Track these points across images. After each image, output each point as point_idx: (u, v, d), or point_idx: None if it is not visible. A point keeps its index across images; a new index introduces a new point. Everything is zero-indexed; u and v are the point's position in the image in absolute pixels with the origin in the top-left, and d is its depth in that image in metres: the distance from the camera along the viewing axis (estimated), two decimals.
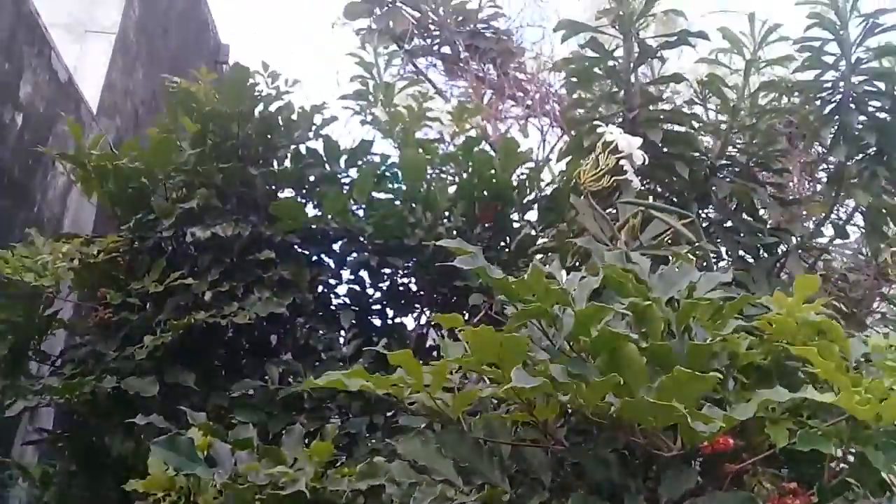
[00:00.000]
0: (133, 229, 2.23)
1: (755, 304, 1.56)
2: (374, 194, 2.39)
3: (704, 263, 2.34)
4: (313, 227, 2.22)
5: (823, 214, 3.41)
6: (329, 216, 2.20)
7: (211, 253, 2.19)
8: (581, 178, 2.17)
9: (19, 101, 3.36)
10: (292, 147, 2.43)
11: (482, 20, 4.69)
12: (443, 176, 2.78)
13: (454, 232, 2.41)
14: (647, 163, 2.53)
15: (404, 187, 2.36)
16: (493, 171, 2.62)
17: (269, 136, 2.37)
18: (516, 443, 1.37)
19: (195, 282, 2.14)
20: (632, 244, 2.29)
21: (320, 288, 2.33)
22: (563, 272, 1.53)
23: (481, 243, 2.82)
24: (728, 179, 2.96)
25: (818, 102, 3.29)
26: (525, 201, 2.76)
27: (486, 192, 2.68)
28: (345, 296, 2.35)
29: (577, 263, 2.40)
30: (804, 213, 3.44)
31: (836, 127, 3.22)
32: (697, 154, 2.62)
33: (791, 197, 3.35)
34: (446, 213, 2.44)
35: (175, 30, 5.93)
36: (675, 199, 2.75)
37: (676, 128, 2.67)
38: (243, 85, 2.34)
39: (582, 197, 2.25)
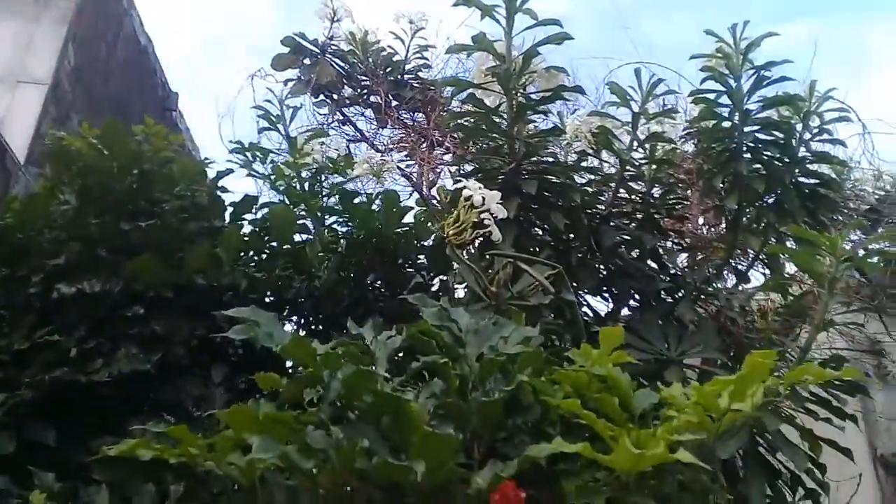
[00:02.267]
0: (1, 285, 2.25)
1: (562, 358, 1.60)
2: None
3: (569, 314, 2.40)
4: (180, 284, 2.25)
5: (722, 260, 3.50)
6: (191, 273, 2.23)
7: (78, 309, 2.21)
8: (445, 232, 2.23)
9: None
10: (175, 201, 2.46)
11: (409, 71, 4.80)
12: (335, 228, 2.84)
13: (326, 286, 2.45)
14: (516, 215, 2.61)
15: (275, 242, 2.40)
16: (377, 223, 2.68)
17: (151, 191, 2.41)
18: None
19: (62, 338, 2.16)
20: (503, 295, 2.34)
21: (196, 342, 2.35)
22: (372, 332, 1.57)
23: (374, 292, 2.87)
24: (615, 227, 3.03)
25: (713, 152, 3.40)
26: (413, 251, 2.82)
27: (374, 242, 2.74)
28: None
29: None
30: (704, 258, 3.52)
31: (730, 176, 3.33)
32: (575, 204, 2.68)
33: (689, 243, 3.43)
34: (318, 267, 2.48)
35: (118, 78, 6.01)
36: (560, 248, 2.81)
37: (556, 179, 2.74)
38: (122, 139, 2.38)
39: (447, 250, 2.31)
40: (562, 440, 1.23)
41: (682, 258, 3.58)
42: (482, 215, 2.18)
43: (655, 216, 3.26)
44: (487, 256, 2.30)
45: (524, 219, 2.70)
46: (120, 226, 2.27)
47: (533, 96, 2.77)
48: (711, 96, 3.37)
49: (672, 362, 2.76)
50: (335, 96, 4.67)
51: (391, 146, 4.84)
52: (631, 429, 1.34)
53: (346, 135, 4.95)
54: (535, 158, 2.75)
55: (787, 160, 3.32)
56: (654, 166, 3.17)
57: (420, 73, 4.84)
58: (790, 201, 3.29)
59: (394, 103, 4.71)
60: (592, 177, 3.04)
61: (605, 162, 3.23)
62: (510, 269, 2.40)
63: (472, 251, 2.40)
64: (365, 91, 4.82)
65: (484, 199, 2.12)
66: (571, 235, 2.79)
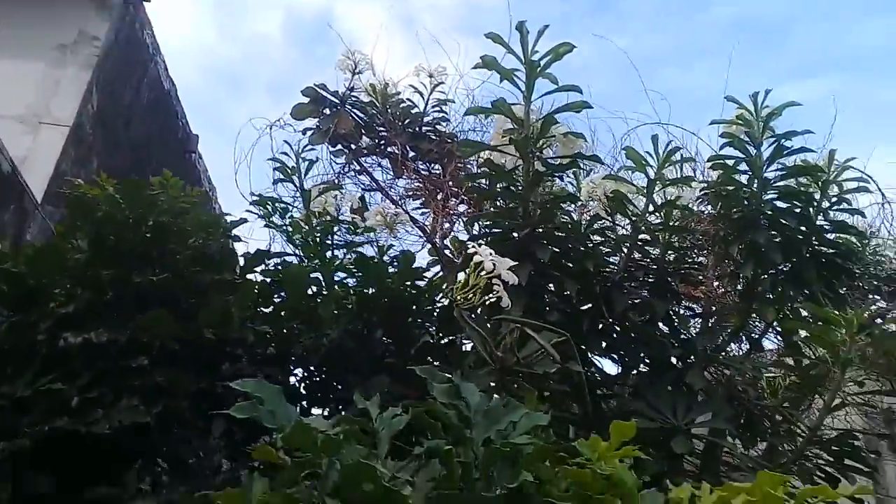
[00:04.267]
0: (7, 331, 2.24)
1: (568, 447, 1.56)
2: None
3: (575, 381, 2.36)
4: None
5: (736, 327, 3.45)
6: (203, 328, 2.22)
7: (83, 358, 2.20)
8: (453, 295, 2.21)
9: None
10: (187, 253, 2.46)
11: (427, 124, 4.83)
12: (347, 283, 2.83)
13: (334, 342, 2.43)
14: (526, 281, 2.58)
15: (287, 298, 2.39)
16: (389, 282, 2.67)
17: (165, 242, 2.41)
18: None
19: (65, 387, 2.15)
20: (509, 360, 2.31)
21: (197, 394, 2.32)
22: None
23: (382, 350, 2.84)
24: (627, 292, 3.00)
25: (730, 219, 3.38)
26: (425, 311, 2.80)
27: (385, 301, 2.73)
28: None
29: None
30: (718, 325, 3.47)
31: (746, 243, 3.30)
32: (588, 270, 2.66)
33: (702, 310, 3.39)
34: (329, 323, 2.46)
35: (139, 121, 6.09)
36: (570, 312, 2.78)
37: (569, 245, 2.72)
38: (140, 191, 2.40)
39: (454, 312, 2.28)
40: None
41: (695, 324, 3.54)
42: (492, 281, 2.16)
43: (669, 281, 3.23)
44: (493, 321, 2.27)
45: (535, 283, 2.67)
46: (132, 276, 2.26)
47: (550, 160, 2.77)
48: (730, 162, 3.37)
49: (679, 431, 2.70)
50: (352, 146, 4.71)
51: (407, 194, 4.87)
52: None
53: (362, 184, 4.99)
54: (545, 226, 2.73)
55: (805, 229, 3.29)
56: (668, 233, 3.14)
57: (438, 126, 4.87)
58: (807, 271, 3.25)
59: (411, 154, 4.75)
60: (604, 240, 3.01)
61: (618, 225, 3.22)
62: (517, 334, 2.37)
63: (481, 314, 2.37)
64: (383, 142, 4.86)
65: (494, 265, 2.10)
66: (582, 299, 2.76)
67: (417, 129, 4.87)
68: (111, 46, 5.45)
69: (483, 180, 2.78)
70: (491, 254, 2.15)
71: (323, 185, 3.26)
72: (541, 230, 2.69)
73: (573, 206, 3.18)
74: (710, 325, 3.40)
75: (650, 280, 3.22)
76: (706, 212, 3.65)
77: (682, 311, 3.22)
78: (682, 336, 3.21)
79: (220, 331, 2.25)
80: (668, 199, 2.92)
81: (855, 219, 3.74)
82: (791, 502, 1.28)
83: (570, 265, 2.67)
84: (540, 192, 2.77)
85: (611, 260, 3.00)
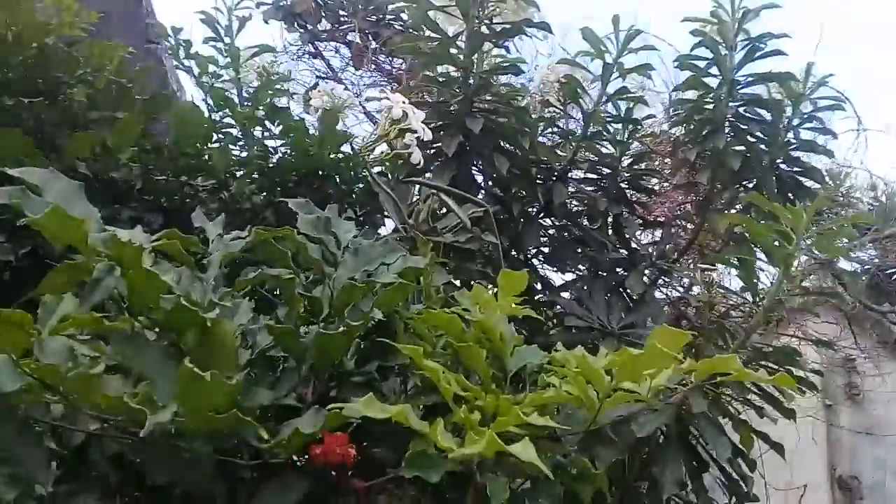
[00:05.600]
0: None
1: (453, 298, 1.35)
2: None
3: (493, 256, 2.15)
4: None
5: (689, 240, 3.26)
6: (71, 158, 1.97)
7: None
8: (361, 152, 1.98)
9: None
10: (77, 85, 2.21)
11: (391, 12, 4.52)
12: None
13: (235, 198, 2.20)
14: (456, 153, 2.36)
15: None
16: (309, 144, 2.43)
17: (49, 70, 2.15)
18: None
19: None
20: (421, 228, 2.10)
21: None
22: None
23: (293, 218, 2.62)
24: (573, 188, 2.79)
25: (693, 123, 3.16)
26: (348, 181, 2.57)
27: (305, 163, 2.49)
28: None
29: None
30: (667, 235, 3.27)
31: (707, 151, 3.08)
32: (523, 151, 2.43)
33: (653, 218, 3.19)
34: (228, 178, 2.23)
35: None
36: (503, 198, 2.56)
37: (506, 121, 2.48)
38: (25, 8, 2.13)
39: (368, 176, 2.07)
40: (373, 400, 0.95)
41: (645, 235, 3.35)
42: (404, 134, 1.94)
43: (620, 184, 3.01)
44: (404, 183, 2.05)
45: (465, 160, 2.45)
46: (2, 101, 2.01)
47: (496, 25, 2.51)
48: (700, 64, 3.13)
49: (611, 335, 2.52)
50: (309, 27, 4.41)
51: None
52: (493, 392, 1.08)
53: (317, 70, 4.71)
54: (488, 97, 2.49)
55: (769, 142, 3.08)
56: (622, 126, 2.91)
57: (403, 15, 4.57)
58: (768, 186, 3.06)
59: (371, 45, 4.46)
60: (551, 129, 2.78)
61: (571, 117, 2.98)
62: (437, 205, 2.15)
63: (399, 180, 2.15)
64: (342, 27, 4.56)
65: (406, 113, 1.87)
66: (516, 185, 2.54)
67: (381, 16, 4.59)
68: None
69: (424, 43, 2.52)
70: (404, 101, 1.92)
71: (256, 48, 2.98)
72: (477, 102, 2.45)
73: (522, 96, 2.94)
74: (661, 236, 3.21)
75: (601, 181, 3.00)
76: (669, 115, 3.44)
77: (629, 218, 3.01)
78: (631, 246, 3.02)
79: (96, 166, 2.01)
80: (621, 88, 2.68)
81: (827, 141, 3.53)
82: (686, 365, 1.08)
83: (505, 144, 2.44)
84: (485, 63, 2.52)
85: (558, 153, 2.76)
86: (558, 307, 2.64)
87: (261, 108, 2.45)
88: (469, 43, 2.42)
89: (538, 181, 2.69)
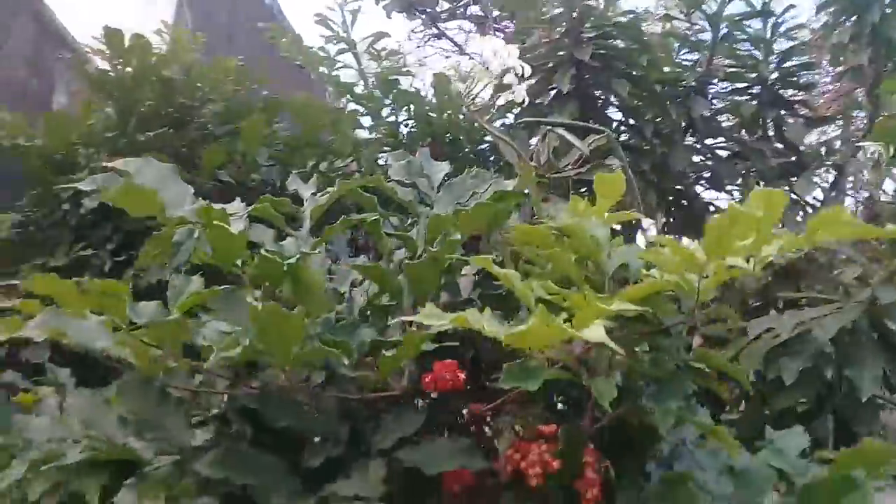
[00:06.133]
0: (35, 204, 2.24)
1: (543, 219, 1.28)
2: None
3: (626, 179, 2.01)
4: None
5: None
6: (210, 171, 2.08)
7: (111, 222, 2.16)
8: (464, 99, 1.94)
9: None
10: (206, 107, 2.35)
11: None
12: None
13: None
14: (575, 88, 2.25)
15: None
16: (427, 110, 2.43)
17: (173, 98, 2.31)
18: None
19: (96, 251, 2.13)
20: (545, 168, 2.02)
21: None
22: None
23: None
24: (710, 99, 2.58)
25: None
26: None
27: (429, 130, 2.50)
28: None
29: None
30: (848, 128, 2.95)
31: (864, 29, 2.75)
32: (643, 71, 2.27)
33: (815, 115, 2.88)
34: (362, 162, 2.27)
35: (242, 38, 6.09)
36: (635, 124, 2.42)
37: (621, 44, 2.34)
38: (141, 50, 2.30)
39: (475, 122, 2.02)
40: (432, 308, 0.88)
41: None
42: (505, 76, 1.87)
43: (772, 85, 2.75)
44: (520, 125, 1.98)
45: (587, 94, 2.33)
46: (136, 135, 2.17)
47: None
48: None
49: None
50: (428, 10, 4.42)
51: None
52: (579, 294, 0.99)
53: (443, 50, 4.71)
54: (590, 25, 2.35)
55: None
56: (763, 23, 2.66)
57: None
58: None
59: (495, 13, 4.40)
60: (677, 41, 2.60)
61: (700, 27, 2.76)
62: (557, 142, 2.06)
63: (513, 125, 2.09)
64: (460, 3, 4.52)
65: (496, 52, 1.80)
66: (644, 106, 2.39)
67: None
68: None
69: None
70: (501, 45, 1.84)
71: (373, 35, 3.01)
72: (585, 32, 2.33)
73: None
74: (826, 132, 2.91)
75: (749, 86, 2.76)
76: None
77: (793, 119, 2.75)
78: (796, 146, 2.75)
79: (236, 173, 2.13)
80: None
81: None
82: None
83: (624, 67, 2.30)
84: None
85: (686, 65, 2.58)
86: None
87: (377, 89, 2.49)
88: None
89: (677, 99, 2.52)
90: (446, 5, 4.50)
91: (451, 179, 1.39)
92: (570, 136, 1.89)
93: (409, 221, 1.36)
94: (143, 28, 5.09)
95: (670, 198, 2.57)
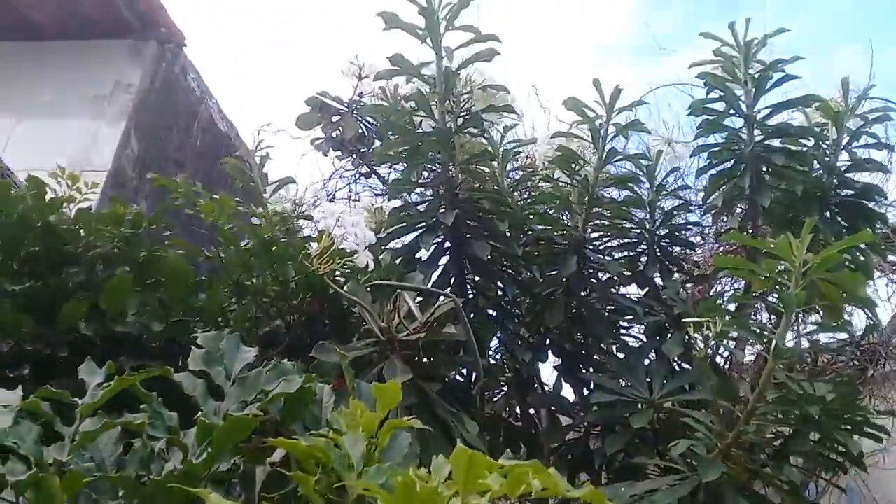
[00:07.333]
0: None
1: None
2: None
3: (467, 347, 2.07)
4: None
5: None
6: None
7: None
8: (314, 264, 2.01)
9: None
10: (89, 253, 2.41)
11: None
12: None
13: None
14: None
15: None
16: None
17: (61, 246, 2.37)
18: None
19: None
20: (392, 329, 2.08)
21: None
22: None
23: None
24: (591, 257, 2.68)
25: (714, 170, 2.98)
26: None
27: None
28: None
29: None
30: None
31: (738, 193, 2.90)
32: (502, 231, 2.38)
33: (697, 273, 3.00)
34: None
35: (195, 163, 6.24)
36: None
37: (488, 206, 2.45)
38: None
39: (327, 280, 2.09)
40: None
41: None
42: (349, 240, 1.96)
43: (655, 244, 2.87)
44: (370, 287, 2.06)
45: (454, 255, 2.43)
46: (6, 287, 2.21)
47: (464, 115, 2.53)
48: (715, 106, 2.98)
49: (651, 406, 2.36)
50: (361, 150, 4.57)
51: None
52: None
53: (375, 189, 4.84)
54: (460, 191, 2.46)
55: (802, 168, 2.85)
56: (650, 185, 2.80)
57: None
58: (822, 215, 2.82)
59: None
60: (548, 200, 2.72)
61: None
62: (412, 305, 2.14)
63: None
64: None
65: (339, 220, 1.90)
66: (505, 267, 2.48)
67: None
68: (147, 93, 5.64)
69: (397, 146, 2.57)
70: (342, 211, 1.95)
71: (279, 181, 3.12)
72: (462, 194, 2.45)
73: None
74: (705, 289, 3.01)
75: (634, 243, 2.88)
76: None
77: (672, 276, 2.85)
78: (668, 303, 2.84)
79: (94, 327, 2.16)
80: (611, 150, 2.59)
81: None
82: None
83: (488, 228, 2.40)
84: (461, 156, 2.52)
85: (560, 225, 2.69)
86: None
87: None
88: (439, 136, 2.44)
89: (555, 254, 2.63)
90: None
91: (248, 372, 1.44)
92: (411, 304, 1.97)
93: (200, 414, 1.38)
94: (87, 159, 5.26)
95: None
